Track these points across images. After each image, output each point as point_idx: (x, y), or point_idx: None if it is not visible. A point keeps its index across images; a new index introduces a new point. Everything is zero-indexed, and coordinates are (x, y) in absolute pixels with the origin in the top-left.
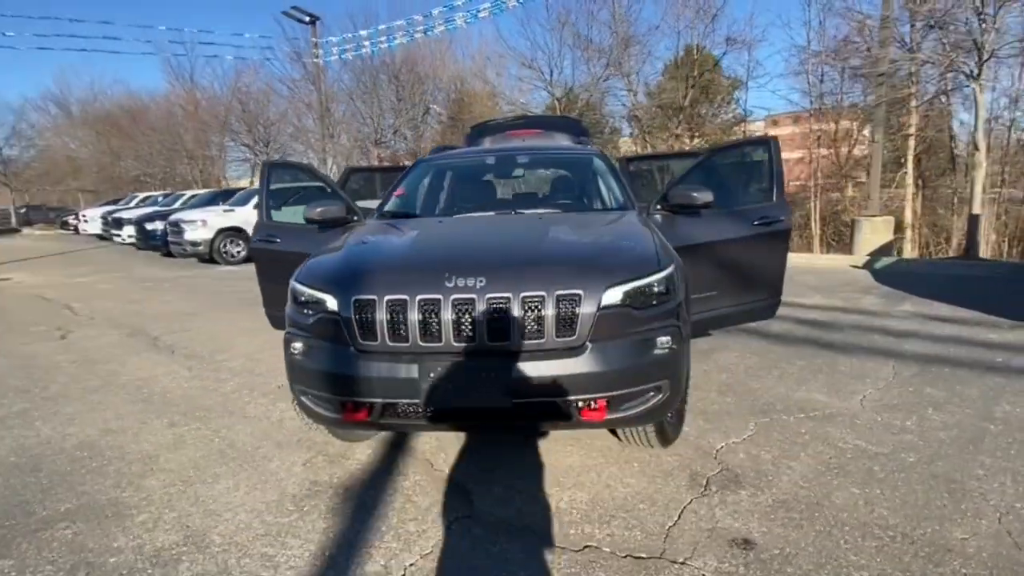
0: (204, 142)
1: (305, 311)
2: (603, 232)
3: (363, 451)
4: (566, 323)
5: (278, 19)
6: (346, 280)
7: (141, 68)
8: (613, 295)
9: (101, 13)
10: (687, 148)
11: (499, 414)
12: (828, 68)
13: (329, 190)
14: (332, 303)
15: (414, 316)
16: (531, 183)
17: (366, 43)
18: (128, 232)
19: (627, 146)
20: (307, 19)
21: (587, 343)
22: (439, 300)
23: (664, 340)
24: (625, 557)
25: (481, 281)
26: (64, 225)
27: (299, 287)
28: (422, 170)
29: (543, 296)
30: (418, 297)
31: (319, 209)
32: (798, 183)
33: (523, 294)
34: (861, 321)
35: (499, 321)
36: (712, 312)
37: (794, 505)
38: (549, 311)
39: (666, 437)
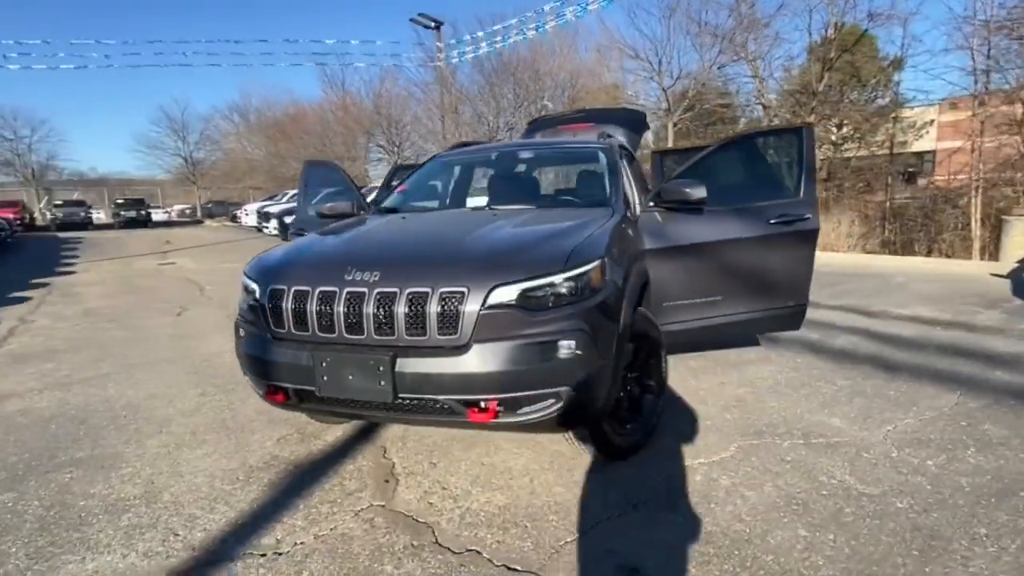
0: (351, 143)
1: (245, 299)
2: (540, 229)
3: (334, 432)
4: (449, 321)
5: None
6: (271, 271)
7: (305, 78)
8: (501, 294)
9: (280, 32)
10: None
11: (385, 407)
12: (999, 40)
13: (341, 188)
14: (257, 292)
15: (313, 307)
16: (527, 179)
17: (483, 44)
18: (273, 224)
19: None
20: (432, 25)
21: (471, 342)
22: (335, 292)
23: (566, 344)
24: (500, 566)
25: (375, 275)
26: (233, 219)
27: (243, 277)
28: (431, 166)
29: (428, 292)
30: (318, 288)
31: (328, 204)
32: (963, 177)
33: (409, 290)
34: (958, 340)
35: (386, 315)
36: (717, 319)
37: (717, 539)
38: (433, 308)
39: (611, 449)
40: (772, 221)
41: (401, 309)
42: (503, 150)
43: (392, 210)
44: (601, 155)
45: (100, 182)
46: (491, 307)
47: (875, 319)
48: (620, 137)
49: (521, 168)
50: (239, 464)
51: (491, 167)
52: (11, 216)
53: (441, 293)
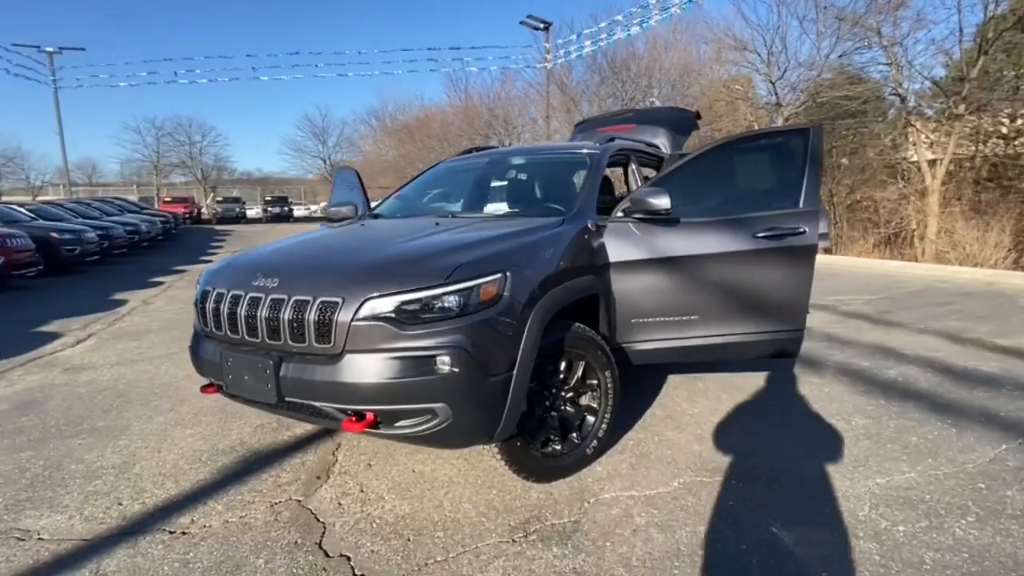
0: (470, 145)
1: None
2: (448, 241)
3: (304, 425)
4: (325, 330)
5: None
6: (210, 273)
7: (433, 83)
8: (375, 306)
9: (403, 41)
10: (1003, 130)
11: (273, 407)
12: None
13: (353, 192)
14: (197, 292)
15: (224, 308)
16: (501, 188)
17: (587, 43)
18: None
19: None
20: (541, 26)
21: (344, 352)
22: (241, 296)
23: (441, 360)
24: (360, 575)
25: (274, 282)
26: None
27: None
28: (432, 172)
29: (309, 301)
30: (231, 292)
31: (332, 209)
32: None
33: (295, 297)
34: None
35: (275, 320)
36: (693, 340)
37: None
38: (312, 316)
39: (528, 470)
40: (759, 235)
41: (287, 315)
42: (493, 157)
43: (377, 216)
44: (580, 163)
45: (261, 181)
46: (363, 318)
47: (961, 347)
48: (662, 139)
49: (503, 177)
50: (210, 446)
51: (479, 175)
52: (181, 211)
53: (319, 302)
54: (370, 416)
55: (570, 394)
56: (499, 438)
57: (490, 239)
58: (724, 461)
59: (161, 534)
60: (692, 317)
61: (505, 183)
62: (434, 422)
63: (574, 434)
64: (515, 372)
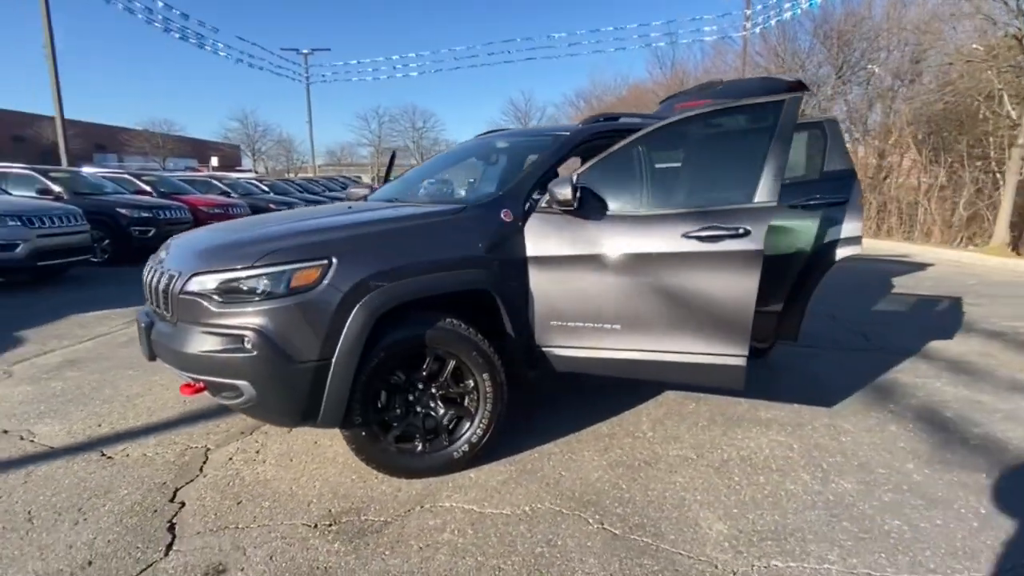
0: None
1: None
2: (307, 226)
3: None
4: (165, 299)
5: None
6: None
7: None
8: (198, 281)
9: (612, 21)
10: None
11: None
12: None
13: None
14: None
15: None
16: (461, 172)
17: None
18: None
19: None
20: None
21: (177, 322)
22: (154, 268)
23: (248, 338)
24: (170, 528)
25: (165, 255)
26: None
27: None
28: (453, 149)
29: (166, 273)
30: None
31: (349, 190)
32: None
33: (164, 269)
34: None
35: (152, 288)
36: (616, 352)
37: None
38: (162, 285)
39: (370, 460)
40: (689, 234)
41: (158, 284)
42: (486, 139)
43: (363, 198)
44: (537, 147)
45: None
46: (188, 292)
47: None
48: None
49: (482, 159)
50: (165, 413)
51: (470, 157)
52: None
53: (168, 274)
54: (201, 384)
55: (440, 392)
56: (325, 424)
57: (344, 225)
58: (589, 494)
59: (95, 455)
60: (613, 326)
61: (468, 167)
62: (241, 399)
63: (445, 435)
64: (334, 360)
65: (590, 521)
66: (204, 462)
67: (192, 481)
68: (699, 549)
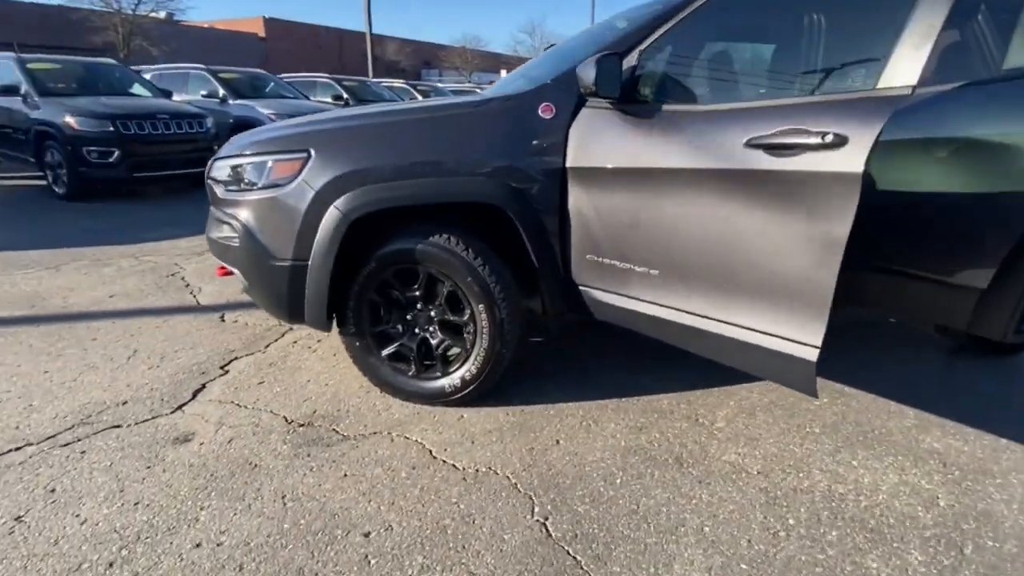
0: None
1: None
2: (325, 116)
3: None
4: (207, 185)
5: None
6: None
7: None
8: (218, 167)
9: None
10: None
11: None
12: None
13: None
14: None
15: None
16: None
17: None
18: None
19: None
20: None
21: (212, 208)
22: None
23: (235, 227)
24: (197, 391)
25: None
26: None
27: None
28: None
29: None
30: None
31: None
32: None
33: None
34: None
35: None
36: (653, 308)
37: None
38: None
39: (364, 370)
40: (752, 142)
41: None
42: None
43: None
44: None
45: None
46: (209, 178)
47: None
48: None
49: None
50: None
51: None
52: None
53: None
54: (225, 267)
55: (438, 317)
56: (314, 327)
57: (343, 117)
58: (582, 493)
59: (217, 317)
60: (652, 271)
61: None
62: (244, 287)
63: (439, 364)
64: (311, 263)
65: (534, 511)
66: (276, 339)
67: (252, 355)
68: None
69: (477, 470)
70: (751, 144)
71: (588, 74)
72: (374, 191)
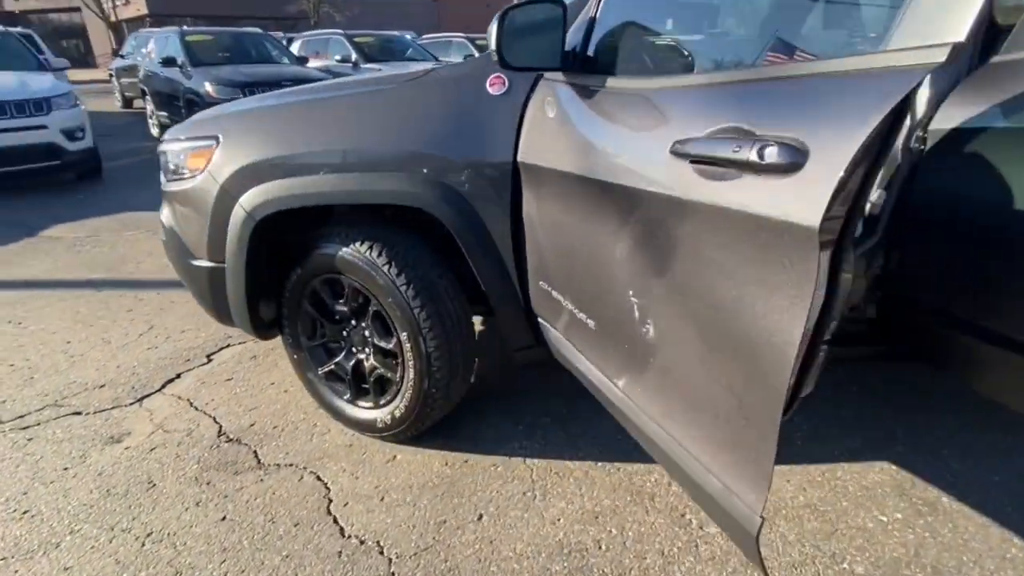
0: None
1: None
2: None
3: None
4: None
5: None
6: None
7: None
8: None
9: None
10: None
11: None
12: None
13: None
14: None
15: None
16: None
17: None
18: None
19: None
20: None
21: None
22: None
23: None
24: (166, 383)
25: None
26: None
27: None
28: None
29: None
30: None
31: None
32: None
33: None
34: None
35: None
36: (596, 375)
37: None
38: None
39: (305, 386)
40: (675, 147)
41: None
42: None
43: None
44: None
45: None
46: None
47: None
48: None
49: None
50: None
51: None
52: None
53: None
54: None
55: (373, 339)
56: (247, 332)
57: (276, 95)
58: None
59: None
60: (588, 321)
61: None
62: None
63: (375, 393)
64: (227, 267)
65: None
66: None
67: (243, 343)
68: None
69: (362, 541)
70: (678, 152)
71: (491, 29)
72: (275, 188)
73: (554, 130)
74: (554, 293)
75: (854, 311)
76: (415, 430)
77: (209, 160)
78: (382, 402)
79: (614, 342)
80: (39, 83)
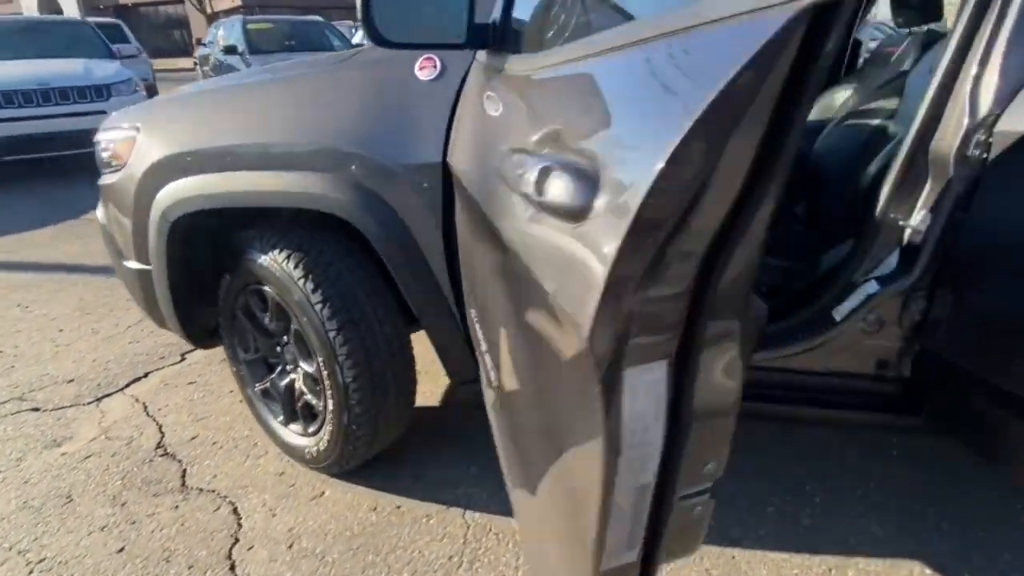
0: None
1: None
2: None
3: None
4: None
5: None
6: None
7: None
8: None
9: None
10: None
11: None
12: None
13: None
14: None
15: None
16: None
17: None
18: None
19: None
20: None
21: None
22: None
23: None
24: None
25: None
26: None
27: None
28: None
29: None
30: None
31: None
32: None
33: None
34: None
35: None
36: (495, 421)
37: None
38: None
39: (248, 405)
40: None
41: None
42: None
43: None
44: None
45: None
46: None
47: None
48: None
49: None
50: None
51: None
52: None
53: None
54: None
55: (297, 359)
56: (178, 336)
57: (211, 82)
58: None
59: None
60: (487, 358)
61: None
62: None
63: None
64: (152, 270)
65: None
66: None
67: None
68: None
69: None
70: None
71: None
72: (185, 187)
73: (469, 127)
74: (477, 324)
75: (883, 368)
76: (339, 467)
77: (130, 152)
78: (310, 430)
79: (503, 395)
80: (104, 70)
